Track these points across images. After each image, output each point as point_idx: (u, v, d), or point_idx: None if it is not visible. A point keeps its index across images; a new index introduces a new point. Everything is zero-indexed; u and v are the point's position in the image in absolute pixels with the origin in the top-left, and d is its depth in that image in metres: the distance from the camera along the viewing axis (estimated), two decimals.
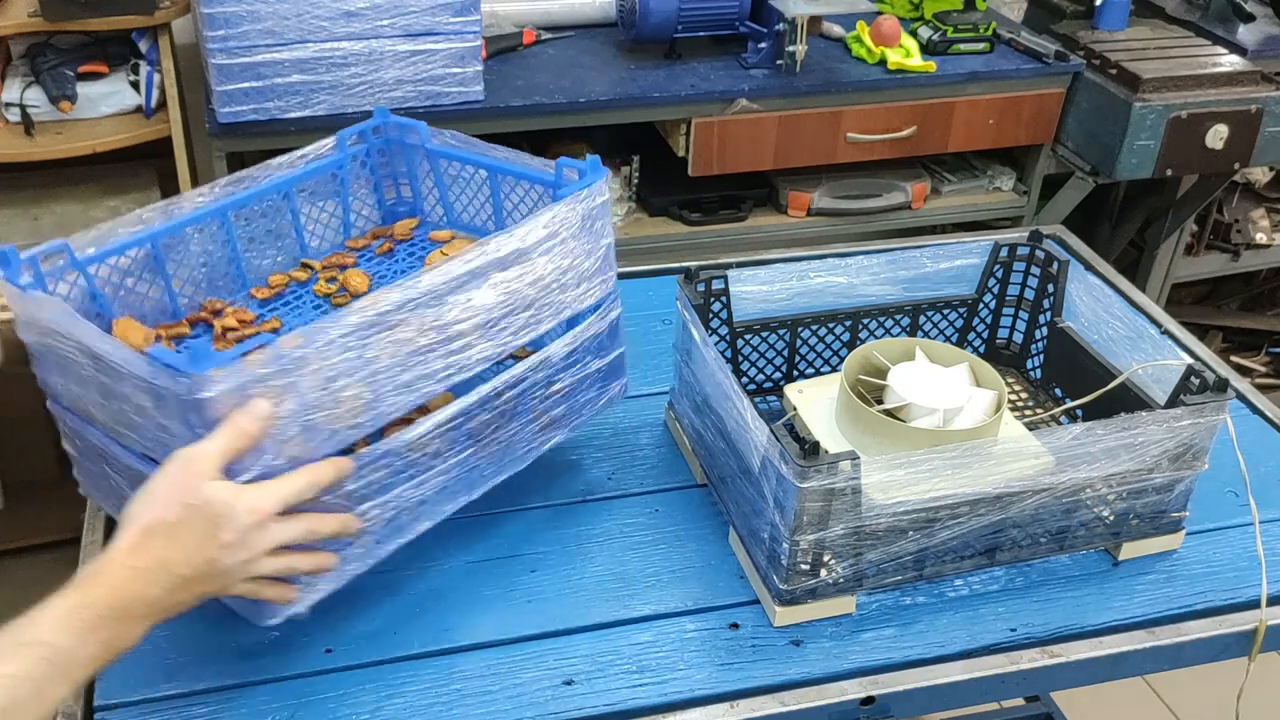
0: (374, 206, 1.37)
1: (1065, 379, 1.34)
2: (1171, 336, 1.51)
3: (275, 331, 1.21)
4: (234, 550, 0.87)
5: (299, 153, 1.26)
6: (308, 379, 0.91)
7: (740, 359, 1.33)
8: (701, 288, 1.25)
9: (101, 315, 1.14)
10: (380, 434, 1.01)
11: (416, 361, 0.99)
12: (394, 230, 1.36)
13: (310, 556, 0.95)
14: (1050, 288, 1.35)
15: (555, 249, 1.07)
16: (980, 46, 2.33)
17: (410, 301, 0.96)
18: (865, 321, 1.35)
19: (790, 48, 2.15)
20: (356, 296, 1.21)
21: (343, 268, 1.31)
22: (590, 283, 1.11)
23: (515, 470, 1.13)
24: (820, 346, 1.35)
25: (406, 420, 1.02)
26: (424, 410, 1.04)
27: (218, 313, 1.24)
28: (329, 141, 1.28)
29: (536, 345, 1.12)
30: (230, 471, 0.88)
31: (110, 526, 1.15)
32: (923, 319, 1.38)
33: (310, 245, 1.32)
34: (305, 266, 1.31)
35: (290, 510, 0.91)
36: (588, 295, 1.12)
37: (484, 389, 1.06)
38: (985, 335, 1.42)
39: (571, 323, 1.14)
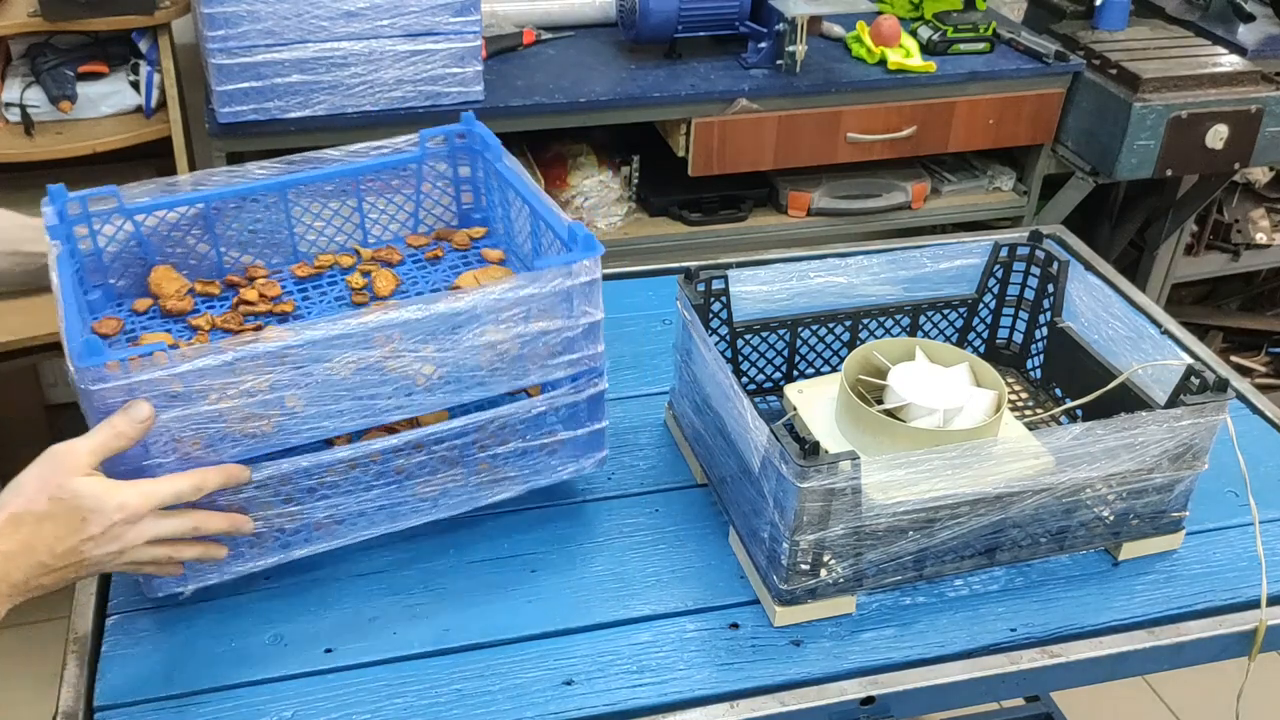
0: (449, 208, 1.38)
1: (1065, 379, 1.34)
2: (1171, 336, 1.51)
3: (285, 316, 1.24)
4: (100, 543, 0.91)
5: (377, 143, 1.30)
6: (205, 390, 0.94)
7: (740, 359, 1.33)
8: (701, 288, 1.25)
9: (145, 260, 1.24)
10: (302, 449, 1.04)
11: (337, 395, 1.00)
12: (454, 237, 1.37)
13: (196, 546, 0.98)
14: (1050, 288, 1.35)
15: (516, 318, 1.04)
16: (980, 46, 2.33)
17: (327, 339, 0.97)
18: (865, 321, 1.35)
19: (790, 48, 2.15)
20: (376, 298, 1.25)
21: (385, 263, 1.32)
22: (563, 356, 1.09)
23: (452, 514, 1.13)
24: (820, 346, 1.35)
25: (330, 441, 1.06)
26: (349, 437, 1.06)
27: (253, 280, 1.28)
28: (412, 137, 1.31)
29: (494, 403, 1.11)
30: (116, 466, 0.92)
31: None
32: (923, 319, 1.38)
33: (371, 233, 1.35)
34: (356, 253, 1.34)
35: (176, 506, 0.94)
36: (558, 368, 1.10)
37: (415, 433, 1.06)
38: (985, 335, 1.42)
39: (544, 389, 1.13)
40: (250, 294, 1.25)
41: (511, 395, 1.12)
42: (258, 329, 1.17)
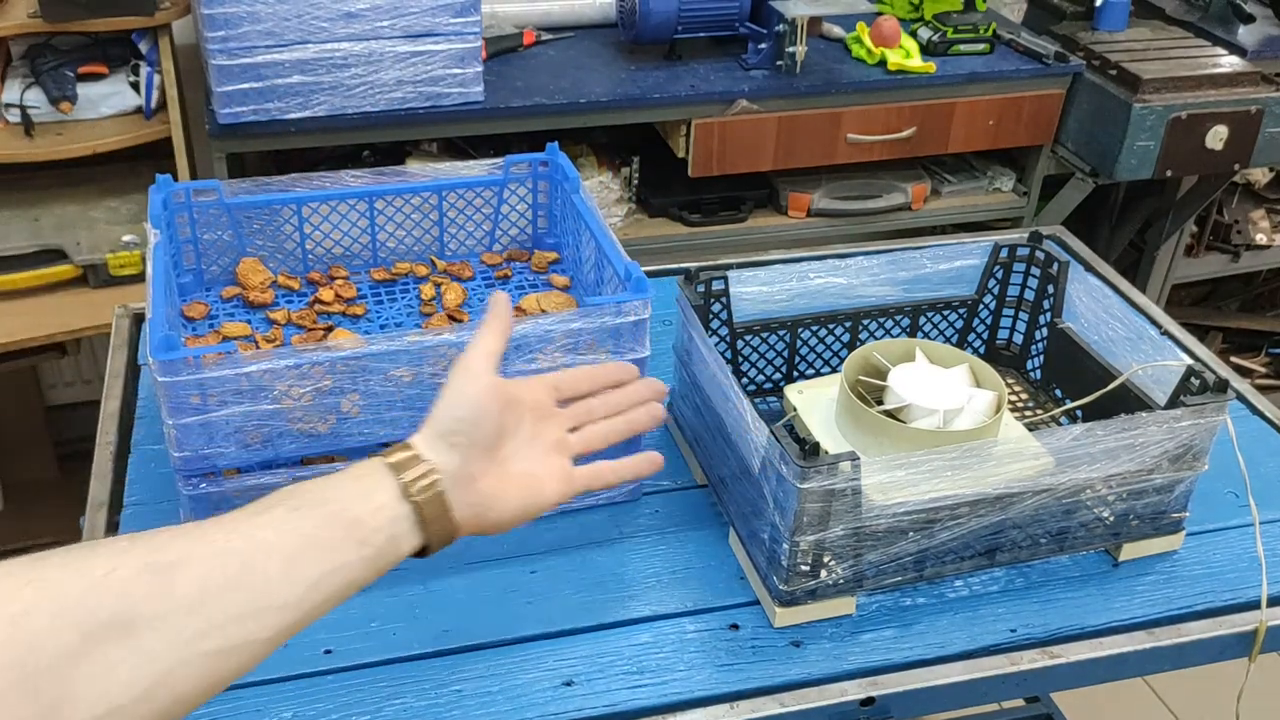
0: (525, 230, 1.47)
1: (1065, 380, 1.34)
2: (1171, 337, 1.51)
3: (356, 318, 1.34)
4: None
5: (464, 164, 1.41)
6: (269, 389, 1.01)
7: (740, 360, 1.33)
8: (701, 289, 1.25)
9: (237, 250, 1.35)
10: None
11: (390, 404, 1.05)
12: (526, 258, 1.46)
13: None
14: (1050, 288, 1.35)
15: (565, 347, 1.09)
16: (980, 47, 2.33)
17: (387, 353, 1.03)
18: (865, 322, 1.35)
19: (790, 49, 2.16)
20: (443, 310, 1.35)
21: (456, 278, 1.41)
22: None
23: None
24: (820, 347, 1.35)
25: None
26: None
27: (334, 279, 1.38)
28: (497, 161, 1.40)
29: None
30: None
31: (112, 527, 1.16)
32: (923, 320, 1.38)
33: (449, 247, 1.44)
34: (432, 264, 1.43)
35: None
36: None
37: None
38: (985, 336, 1.42)
39: None
40: (326, 294, 1.35)
41: None
42: (328, 329, 1.30)
